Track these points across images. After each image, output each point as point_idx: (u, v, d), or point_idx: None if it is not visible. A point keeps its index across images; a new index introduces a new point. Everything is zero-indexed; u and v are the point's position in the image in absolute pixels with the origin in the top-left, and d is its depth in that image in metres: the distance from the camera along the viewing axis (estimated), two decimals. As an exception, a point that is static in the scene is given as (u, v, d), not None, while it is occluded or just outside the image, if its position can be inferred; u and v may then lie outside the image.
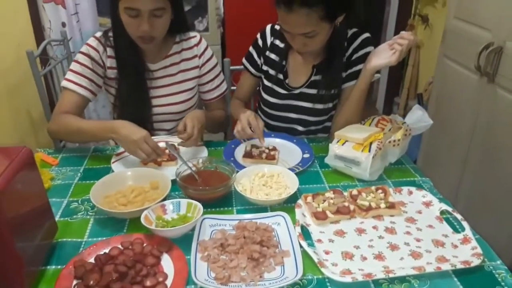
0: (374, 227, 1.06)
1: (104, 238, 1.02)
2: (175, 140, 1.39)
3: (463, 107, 2.00)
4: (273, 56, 1.53)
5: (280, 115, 1.59)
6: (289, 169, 1.26)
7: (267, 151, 1.37)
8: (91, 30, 2.56)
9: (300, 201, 1.14)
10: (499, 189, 1.76)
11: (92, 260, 0.93)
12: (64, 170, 1.33)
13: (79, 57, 1.44)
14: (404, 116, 1.37)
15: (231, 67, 1.87)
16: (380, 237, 1.03)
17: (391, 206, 1.10)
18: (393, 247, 0.99)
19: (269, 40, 1.54)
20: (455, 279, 0.91)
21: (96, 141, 1.39)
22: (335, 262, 0.95)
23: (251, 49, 1.59)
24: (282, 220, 1.07)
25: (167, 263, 0.94)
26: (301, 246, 0.97)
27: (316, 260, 0.93)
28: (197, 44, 1.55)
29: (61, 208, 1.15)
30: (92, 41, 1.45)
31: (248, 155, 1.36)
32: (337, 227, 1.06)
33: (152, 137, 1.27)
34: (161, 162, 1.33)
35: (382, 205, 1.10)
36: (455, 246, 0.99)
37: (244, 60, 1.61)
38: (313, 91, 1.50)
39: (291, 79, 1.53)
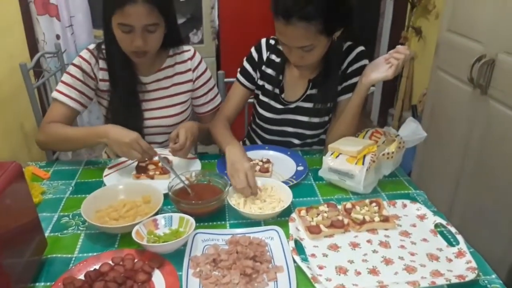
0: (368, 241, 1.05)
1: (95, 254, 1.01)
2: (167, 153, 1.38)
3: (457, 119, 2.00)
4: (269, 71, 1.52)
5: (276, 129, 1.57)
6: (283, 182, 1.25)
7: (260, 163, 1.36)
8: (86, 42, 2.55)
9: (293, 215, 1.13)
10: (494, 202, 1.76)
11: (82, 276, 0.92)
12: (56, 183, 1.32)
13: (71, 69, 1.44)
14: (398, 127, 1.37)
15: (226, 79, 1.86)
16: (374, 251, 1.02)
17: (385, 219, 1.10)
18: (388, 261, 0.98)
19: (265, 54, 1.53)
20: (450, 294, 0.90)
21: (86, 147, 1.37)
22: (329, 277, 0.93)
23: (245, 63, 1.56)
24: (275, 235, 1.06)
25: (158, 279, 0.93)
26: (294, 261, 0.96)
27: (309, 276, 0.92)
28: (191, 58, 1.55)
29: (51, 223, 1.13)
30: (84, 53, 1.45)
31: (241, 168, 1.35)
32: (331, 241, 1.06)
33: None
34: (153, 176, 1.32)
35: (376, 219, 1.09)
36: (450, 260, 0.99)
37: (238, 75, 1.57)
38: (309, 105, 1.50)
39: (287, 93, 1.52)
